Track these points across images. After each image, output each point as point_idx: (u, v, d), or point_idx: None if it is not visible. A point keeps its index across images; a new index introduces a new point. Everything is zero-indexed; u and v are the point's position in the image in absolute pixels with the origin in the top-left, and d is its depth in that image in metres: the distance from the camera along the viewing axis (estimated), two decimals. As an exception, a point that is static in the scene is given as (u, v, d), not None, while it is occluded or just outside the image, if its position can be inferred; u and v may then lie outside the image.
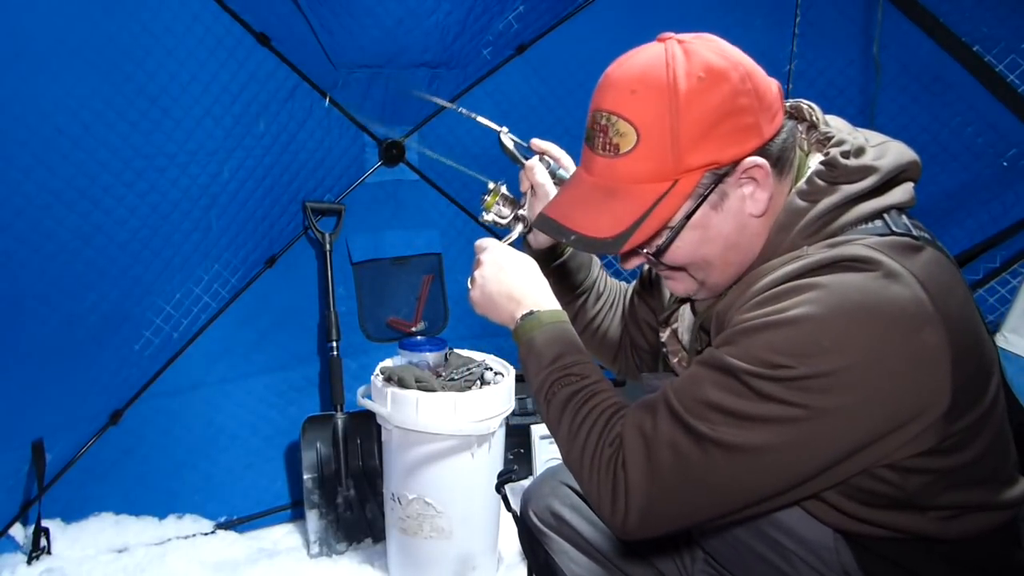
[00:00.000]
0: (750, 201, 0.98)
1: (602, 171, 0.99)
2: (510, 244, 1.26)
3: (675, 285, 1.09)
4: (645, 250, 1.02)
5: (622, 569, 1.24)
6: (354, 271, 2.65)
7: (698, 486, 0.91)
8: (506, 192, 1.35)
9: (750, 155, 0.95)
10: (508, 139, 1.39)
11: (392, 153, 2.56)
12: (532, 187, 1.32)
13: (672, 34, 0.98)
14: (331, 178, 2.52)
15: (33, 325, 1.98)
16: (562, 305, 1.16)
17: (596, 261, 1.43)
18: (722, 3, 2.34)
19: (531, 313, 1.11)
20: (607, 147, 0.97)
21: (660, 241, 1.00)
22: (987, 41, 2.19)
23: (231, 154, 2.21)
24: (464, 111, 1.49)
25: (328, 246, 2.49)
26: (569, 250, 1.38)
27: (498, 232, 1.31)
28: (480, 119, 1.41)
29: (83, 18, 1.80)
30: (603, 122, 0.97)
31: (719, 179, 0.96)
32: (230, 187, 2.25)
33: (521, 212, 1.34)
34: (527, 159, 1.34)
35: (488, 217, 1.34)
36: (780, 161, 0.99)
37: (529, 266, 1.18)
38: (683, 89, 0.92)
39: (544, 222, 1.06)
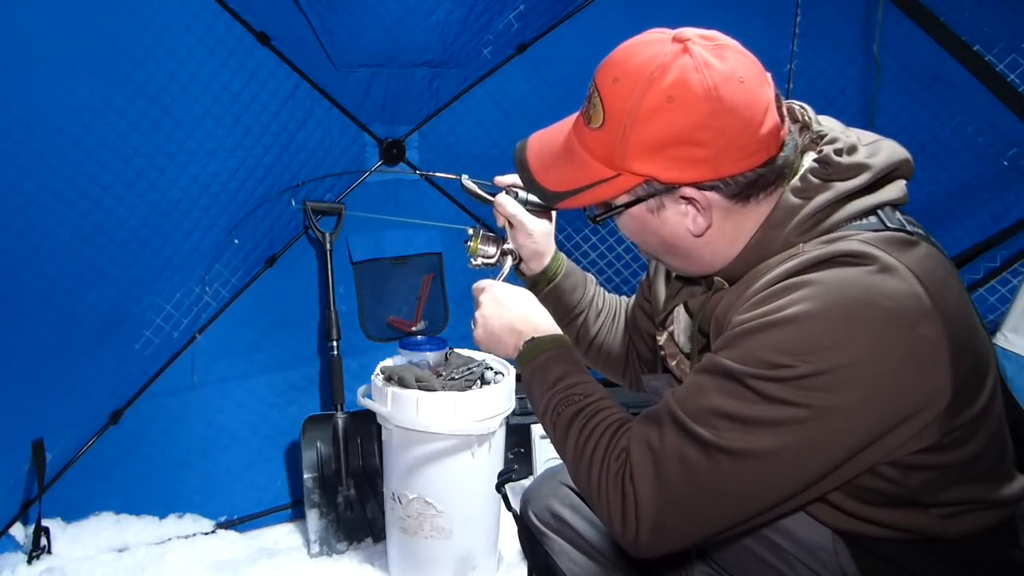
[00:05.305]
0: (689, 220, 0.99)
1: (576, 127, 1.03)
2: (504, 279, 1.29)
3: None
4: (587, 213, 1.07)
5: (622, 570, 1.23)
6: (354, 271, 2.65)
7: (708, 496, 0.91)
8: (486, 232, 1.38)
9: (692, 184, 0.95)
10: (470, 183, 1.42)
11: (392, 152, 2.56)
12: (508, 220, 1.34)
13: (691, 36, 0.95)
14: (331, 177, 2.52)
15: (33, 325, 1.98)
16: (563, 327, 1.18)
17: (591, 279, 1.45)
18: (722, 3, 2.33)
19: (532, 340, 1.14)
20: (586, 113, 1.00)
21: (598, 212, 1.05)
22: (987, 41, 2.19)
23: (231, 153, 2.21)
24: (420, 173, 1.55)
25: (328, 245, 2.49)
26: (561, 271, 1.40)
27: (490, 274, 1.35)
28: (438, 175, 1.44)
29: (83, 17, 1.80)
30: (590, 91, 1.00)
31: (658, 192, 0.98)
32: (230, 186, 2.25)
33: (506, 246, 1.37)
34: (494, 195, 1.36)
35: (477, 262, 1.38)
36: (748, 192, 0.97)
37: (527, 298, 1.21)
38: (647, 102, 0.92)
39: (520, 147, 1.11)
